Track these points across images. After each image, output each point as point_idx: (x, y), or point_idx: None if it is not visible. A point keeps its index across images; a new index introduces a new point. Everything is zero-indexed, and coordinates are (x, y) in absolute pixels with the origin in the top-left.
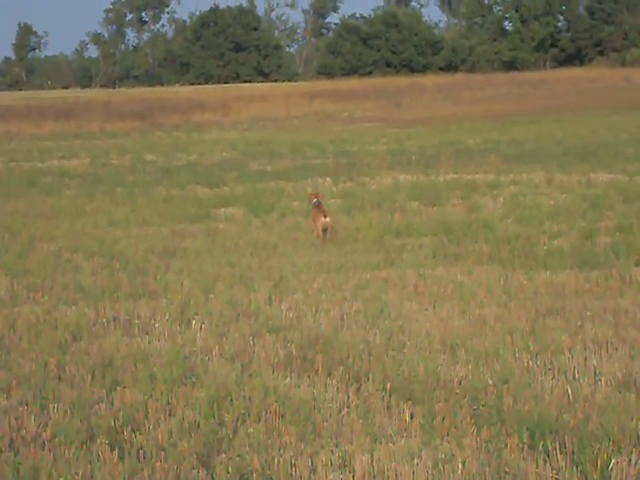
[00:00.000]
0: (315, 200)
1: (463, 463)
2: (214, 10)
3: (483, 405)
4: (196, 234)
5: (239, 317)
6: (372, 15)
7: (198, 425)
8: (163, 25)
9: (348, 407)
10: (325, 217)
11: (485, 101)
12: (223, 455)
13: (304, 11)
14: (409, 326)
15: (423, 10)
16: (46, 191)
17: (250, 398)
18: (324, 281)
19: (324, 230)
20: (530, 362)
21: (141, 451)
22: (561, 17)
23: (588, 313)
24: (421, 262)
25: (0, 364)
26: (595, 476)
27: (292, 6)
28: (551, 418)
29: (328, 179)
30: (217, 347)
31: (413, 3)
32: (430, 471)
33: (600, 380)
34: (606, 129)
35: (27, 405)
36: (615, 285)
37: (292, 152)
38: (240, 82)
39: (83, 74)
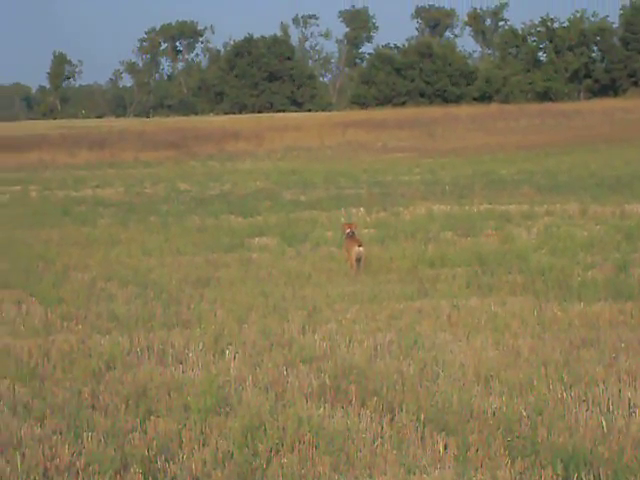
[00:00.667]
0: (349, 230)
1: None
2: (248, 40)
3: (517, 437)
4: (230, 264)
5: (273, 347)
6: (406, 45)
7: (232, 455)
8: (197, 54)
9: (382, 438)
10: (359, 247)
11: (519, 132)
12: None
13: (338, 41)
14: (443, 357)
15: (457, 40)
16: (80, 220)
17: (284, 428)
18: (357, 311)
19: (358, 260)
20: (564, 394)
21: None
22: (595, 48)
23: (622, 345)
24: (455, 293)
25: (34, 393)
26: None
27: (326, 36)
28: (585, 450)
29: (362, 209)
30: (251, 377)
31: (447, 33)
32: None
33: (634, 412)
34: None
35: (61, 434)
36: None
37: (326, 182)
38: (274, 112)
39: (117, 103)
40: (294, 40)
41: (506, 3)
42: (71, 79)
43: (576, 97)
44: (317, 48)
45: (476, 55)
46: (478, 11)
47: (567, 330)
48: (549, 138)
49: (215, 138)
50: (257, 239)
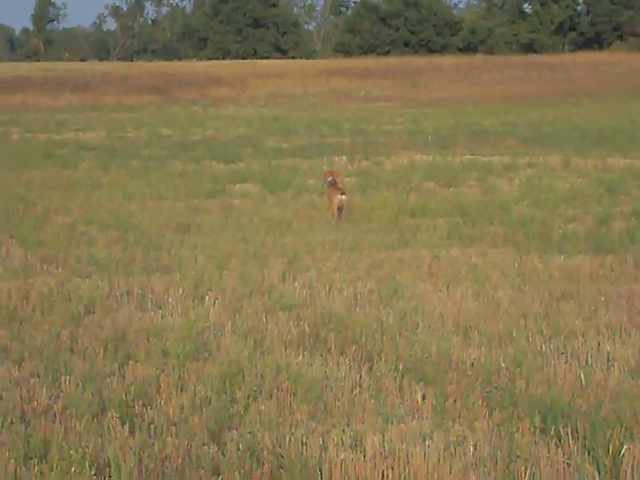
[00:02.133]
0: (331, 178)
1: (474, 446)
2: None
3: (495, 388)
4: (211, 210)
5: (252, 294)
6: None
7: (209, 401)
8: None
9: (360, 387)
10: (342, 195)
11: (503, 83)
12: (234, 432)
13: None
14: (422, 307)
15: None
16: (62, 163)
17: (262, 375)
18: (338, 260)
19: (340, 208)
20: (543, 346)
21: (152, 426)
22: (580, 0)
23: (602, 298)
24: (436, 243)
25: (13, 335)
26: (607, 462)
27: None
28: (563, 403)
29: (344, 157)
30: (230, 323)
31: None
32: (441, 453)
33: (613, 365)
34: (623, 114)
35: (39, 377)
36: (630, 270)
37: (308, 130)
38: (258, 58)
39: (101, 47)
40: None
41: None
42: (55, 22)
43: (561, 50)
44: None
45: (461, 5)
46: None
47: (547, 282)
48: (533, 90)
49: (198, 83)
50: (238, 185)
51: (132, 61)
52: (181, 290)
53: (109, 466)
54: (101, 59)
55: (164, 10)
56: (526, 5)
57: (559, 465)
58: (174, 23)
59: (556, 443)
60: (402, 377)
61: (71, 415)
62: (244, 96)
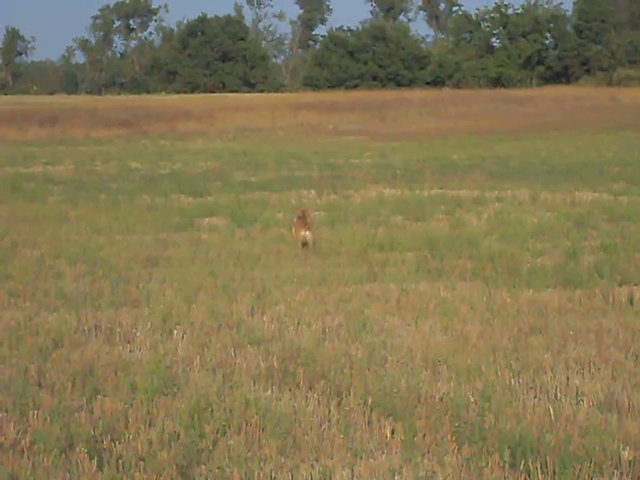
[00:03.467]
0: (299, 212)
1: None
2: (202, 19)
3: (465, 423)
4: (179, 243)
5: (221, 328)
6: (360, 28)
7: (178, 436)
8: (151, 33)
9: (329, 421)
10: (306, 231)
11: (471, 117)
12: (203, 467)
13: (292, 22)
14: (391, 341)
15: (411, 24)
16: (30, 196)
17: (231, 410)
18: (307, 294)
19: (304, 244)
20: (512, 380)
21: (120, 461)
22: (548, 35)
23: (571, 332)
24: (404, 277)
25: None
26: None
27: (280, 17)
28: (533, 437)
29: (312, 191)
30: (198, 357)
31: (401, 17)
32: None
33: (582, 400)
34: (591, 148)
35: (7, 412)
36: (598, 305)
37: (277, 163)
38: (226, 92)
39: (69, 80)
40: (248, 20)
41: None
42: (23, 55)
43: (529, 84)
44: (271, 29)
45: (429, 40)
46: None
47: (516, 316)
48: (501, 124)
49: (167, 117)
50: (207, 219)
51: (100, 94)
52: (149, 324)
53: None
54: (69, 93)
55: (133, 44)
56: (494, 39)
57: None
58: (142, 56)
59: (525, 478)
60: (371, 412)
61: (39, 450)
62: (212, 130)
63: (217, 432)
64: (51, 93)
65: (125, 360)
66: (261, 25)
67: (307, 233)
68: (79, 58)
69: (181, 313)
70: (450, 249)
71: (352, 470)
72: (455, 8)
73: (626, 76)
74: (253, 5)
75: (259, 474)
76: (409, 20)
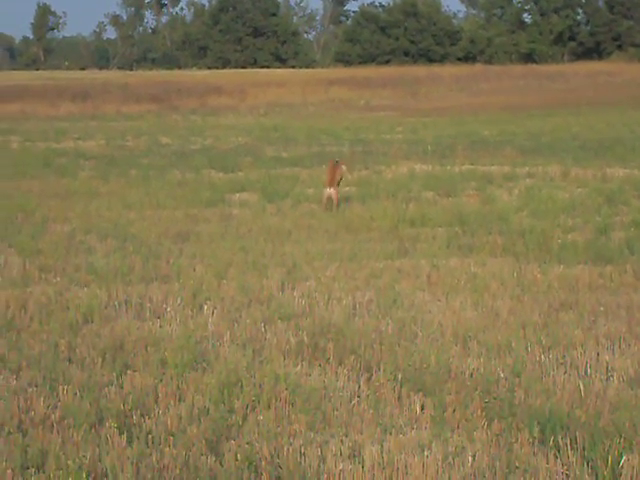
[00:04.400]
0: (333, 162)
1: (473, 456)
2: None
3: (494, 398)
4: (210, 219)
5: (251, 303)
6: (391, 3)
7: (208, 411)
8: (182, 8)
9: (359, 397)
10: (330, 188)
11: (502, 93)
12: (232, 442)
13: None
14: (421, 317)
15: (442, 0)
16: (61, 172)
17: (260, 385)
18: (337, 269)
19: (328, 200)
20: (542, 356)
21: (150, 436)
22: (580, 10)
23: (601, 308)
24: (435, 252)
25: (10, 345)
26: (606, 473)
27: None
28: (562, 413)
29: (344, 167)
30: (228, 333)
31: None
32: (440, 464)
33: (612, 376)
34: (623, 124)
35: (36, 386)
36: (629, 280)
37: (308, 139)
38: (258, 67)
39: (101, 55)
40: None
41: None
42: (55, 30)
43: (560, 59)
44: (302, 4)
45: (461, 15)
46: None
47: (546, 292)
48: (532, 100)
49: (198, 92)
50: (238, 195)
51: (132, 70)
52: (179, 299)
53: (106, 476)
54: (101, 68)
55: (164, 19)
56: (525, 15)
57: (558, 476)
58: (174, 32)
59: (555, 454)
60: (401, 387)
61: (69, 425)
62: (244, 105)
63: (246, 407)
64: (83, 68)
65: (155, 335)
66: (292, 1)
67: (331, 190)
68: (110, 33)
69: (211, 288)
70: (481, 225)
71: (381, 445)
72: None
73: None
74: None
75: (288, 449)
76: None
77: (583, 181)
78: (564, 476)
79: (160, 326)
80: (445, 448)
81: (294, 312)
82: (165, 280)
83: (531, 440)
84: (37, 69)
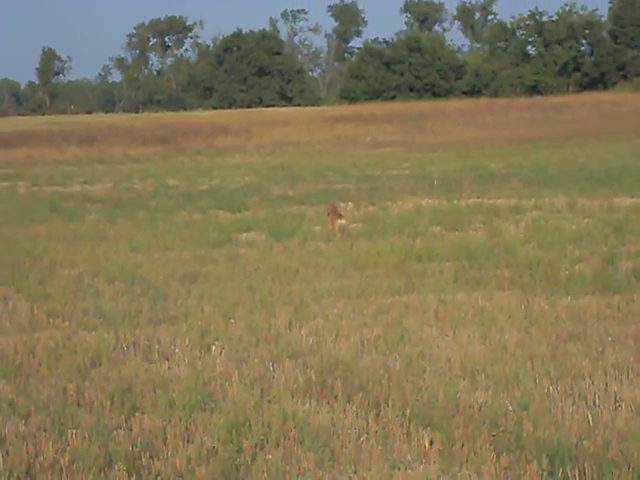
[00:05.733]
0: (329, 207)
1: None
2: (237, 35)
3: (503, 431)
4: (217, 259)
5: (259, 342)
6: (395, 39)
7: (216, 451)
8: (186, 50)
9: (367, 433)
10: (341, 220)
11: (508, 126)
12: None
13: (327, 36)
14: (429, 351)
15: (446, 34)
16: (68, 216)
17: (269, 424)
18: (345, 306)
19: (341, 231)
20: (550, 388)
21: (159, 477)
22: (584, 41)
23: (609, 338)
24: (442, 287)
25: (19, 390)
26: None
27: (315, 31)
28: (571, 444)
29: (350, 203)
30: (236, 372)
31: (436, 27)
32: None
33: (620, 406)
34: (629, 153)
35: (45, 431)
36: (637, 310)
37: (314, 176)
38: (263, 106)
39: (106, 99)
40: (283, 35)
41: None
42: (60, 75)
43: (565, 91)
44: (306, 43)
45: (465, 49)
46: (467, 5)
47: (554, 324)
48: (538, 132)
49: (204, 133)
50: (245, 234)
51: (138, 112)
52: (188, 340)
53: None
54: (107, 111)
55: (169, 61)
56: (530, 47)
57: None
58: (179, 73)
59: None
60: (409, 422)
61: (78, 469)
62: (250, 145)
63: (255, 447)
64: (88, 112)
65: (163, 377)
66: (296, 39)
67: (343, 222)
68: (116, 77)
69: (219, 329)
70: (488, 258)
71: None
72: (490, 17)
73: None
74: (288, 19)
75: None
76: (444, 30)
77: (590, 212)
78: None
79: (168, 368)
80: None
81: (302, 350)
82: (173, 322)
83: (540, 472)
84: (43, 114)
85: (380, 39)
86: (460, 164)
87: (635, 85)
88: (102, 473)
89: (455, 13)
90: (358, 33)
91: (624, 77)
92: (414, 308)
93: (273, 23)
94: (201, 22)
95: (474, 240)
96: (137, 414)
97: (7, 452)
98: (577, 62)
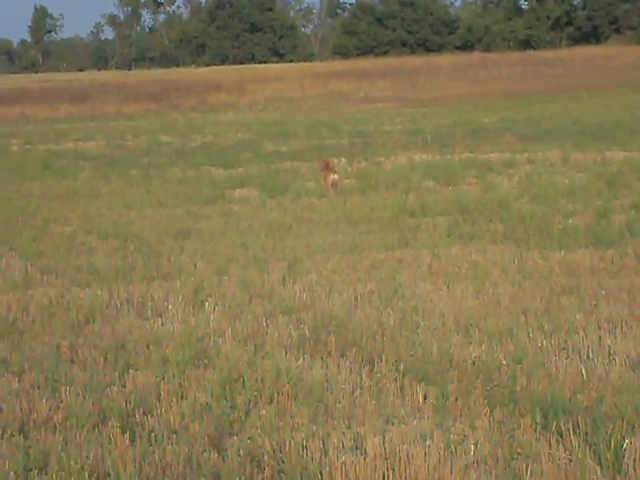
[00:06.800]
0: (323, 163)
1: (475, 444)
2: None
3: (496, 385)
4: (210, 215)
5: (252, 299)
6: None
7: (210, 407)
8: (178, 6)
9: (361, 388)
10: (334, 175)
11: (501, 80)
12: (235, 438)
13: None
14: (423, 306)
15: None
16: (61, 173)
17: (262, 380)
18: (338, 262)
19: (333, 185)
20: (544, 342)
21: (152, 434)
22: None
23: (603, 292)
24: (436, 242)
25: (13, 347)
26: (608, 456)
27: None
28: (564, 398)
29: (343, 159)
30: (230, 329)
31: None
32: (442, 452)
33: (614, 359)
34: (622, 107)
35: (39, 388)
36: (630, 264)
37: (307, 132)
38: (256, 63)
39: (99, 56)
40: None
41: None
42: (52, 33)
43: (558, 45)
44: None
45: (457, 4)
46: None
47: (547, 278)
48: (531, 86)
49: (197, 90)
50: (238, 190)
51: (130, 69)
52: (181, 297)
53: (109, 475)
54: (99, 69)
55: (161, 17)
56: (522, 1)
57: (560, 461)
58: (171, 30)
59: (557, 439)
60: (403, 377)
61: (71, 426)
62: (243, 101)
63: (249, 403)
64: (81, 70)
65: (157, 333)
66: None
67: (335, 176)
68: (108, 34)
69: (212, 285)
70: (481, 213)
71: (384, 436)
72: None
73: None
74: None
75: (290, 443)
76: None
77: (583, 166)
78: (567, 461)
79: (162, 324)
80: (447, 437)
81: (295, 306)
82: (166, 278)
83: (533, 426)
84: (36, 72)
85: None
86: (453, 119)
87: (628, 39)
88: (96, 429)
89: None
90: None
91: (616, 31)
92: (408, 263)
93: None
94: None
95: (467, 195)
96: (131, 371)
97: (0, 409)
98: (569, 16)
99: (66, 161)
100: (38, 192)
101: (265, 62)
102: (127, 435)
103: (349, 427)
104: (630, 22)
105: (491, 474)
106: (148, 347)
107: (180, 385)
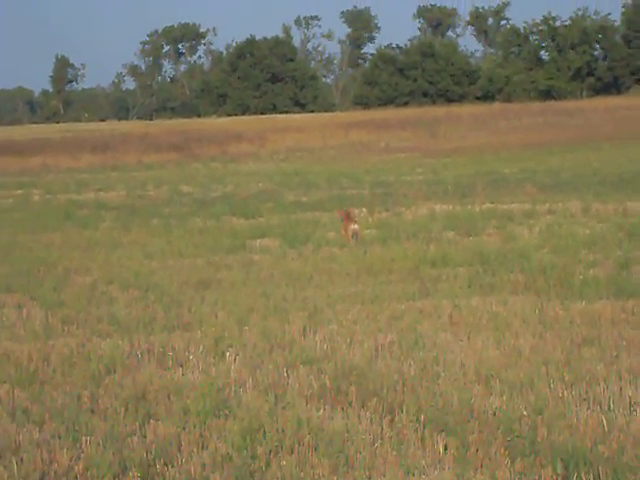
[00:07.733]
0: (344, 213)
1: None
2: (250, 41)
3: (517, 436)
4: (231, 265)
5: (273, 348)
6: (408, 45)
7: (231, 458)
8: (200, 56)
9: (382, 439)
10: (354, 225)
11: (521, 130)
12: None
13: (340, 42)
14: (444, 357)
15: (459, 40)
16: (82, 223)
17: (283, 430)
18: (359, 312)
19: (354, 236)
20: (565, 392)
21: None
22: (597, 46)
23: (624, 343)
24: (456, 292)
25: (34, 397)
26: None
27: (329, 37)
28: (586, 449)
29: (364, 209)
30: (251, 379)
31: (449, 33)
32: None
33: (635, 410)
34: None
35: (60, 438)
36: None
37: (328, 182)
38: (277, 113)
39: (120, 106)
40: (296, 41)
41: (508, 2)
42: (74, 82)
43: (579, 95)
44: (319, 49)
45: (478, 54)
46: (480, 10)
47: (568, 328)
48: (552, 136)
49: (218, 140)
50: (259, 240)
51: (151, 119)
52: (202, 347)
53: None
54: (120, 119)
55: (182, 68)
56: (543, 52)
57: None
58: (192, 80)
59: None
60: (424, 428)
61: (92, 476)
62: (264, 151)
63: (269, 453)
64: (102, 120)
65: (178, 383)
66: (310, 45)
67: (356, 226)
68: (129, 84)
69: (233, 335)
70: (502, 263)
71: None
72: (503, 22)
73: None
74: (301, 26)
75: None
76: (457, 35)
77: (604, 216)
78: None
79: (182, 374)
80: None
81: (316, 356)
82: (187, 328)
83: (554, 477)
84: (57, 122)
85: (393, 45)
86: (474, 169)
87: None
88: None
89: (468, 18)
90: (371, 39)
91: (638, 81)
92: (428, 313)
93: (286, 30)
94: (214, 29)
95: (488, 245)
96: (151, 421)
97: (22, 459)
98: (590, 67)
99: (87, 211)
100: (59, 242)
101: (286, 112)
102: None
103: (370, 478)
104: None
105: None
106: (169, 397)
107: (201, 435)
